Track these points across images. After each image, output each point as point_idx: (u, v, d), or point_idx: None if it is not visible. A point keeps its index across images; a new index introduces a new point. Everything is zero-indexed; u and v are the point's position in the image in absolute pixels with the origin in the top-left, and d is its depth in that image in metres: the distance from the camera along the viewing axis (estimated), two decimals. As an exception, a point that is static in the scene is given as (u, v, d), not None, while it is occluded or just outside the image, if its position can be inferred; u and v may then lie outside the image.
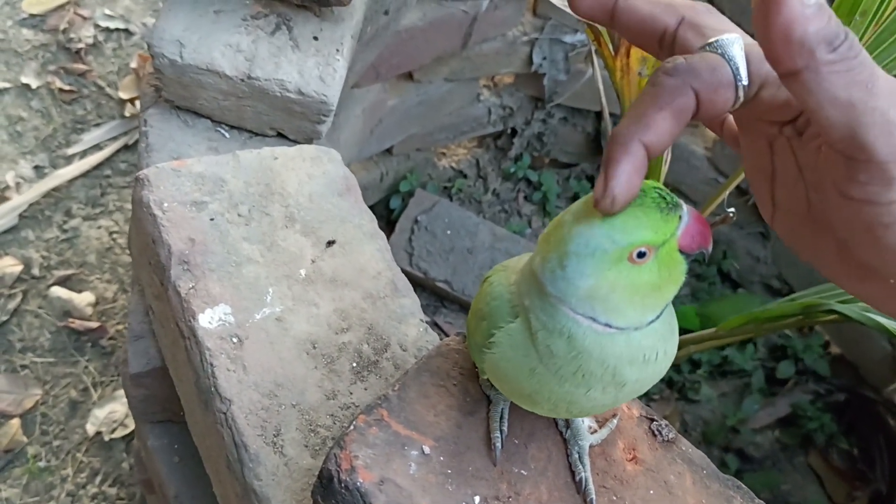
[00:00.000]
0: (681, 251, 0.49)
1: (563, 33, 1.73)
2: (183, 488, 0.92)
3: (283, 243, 0.81)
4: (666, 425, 0.69)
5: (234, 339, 0.74)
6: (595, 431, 0.66)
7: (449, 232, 1.81)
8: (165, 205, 0.78)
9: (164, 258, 0.76)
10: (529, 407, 0.57)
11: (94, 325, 1.74)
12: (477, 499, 0.60)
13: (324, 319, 0.78)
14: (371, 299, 0.80)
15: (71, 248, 1.83)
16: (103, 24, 2.05)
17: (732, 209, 0.93)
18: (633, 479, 0.65)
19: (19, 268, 1.78)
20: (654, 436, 0.68)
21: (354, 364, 0.76)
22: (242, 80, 0.92)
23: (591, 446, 0.65)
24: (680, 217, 0.48)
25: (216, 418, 0.71)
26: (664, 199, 0.48)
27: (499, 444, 0.62)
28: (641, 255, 0.48)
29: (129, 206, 1.88)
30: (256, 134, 0.99)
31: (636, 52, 1.02)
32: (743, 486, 0.68)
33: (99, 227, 1.85)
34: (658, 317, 0.51)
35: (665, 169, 1.15)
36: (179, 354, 0.77)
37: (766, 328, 1.23)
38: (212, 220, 0.79)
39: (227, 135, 0.98)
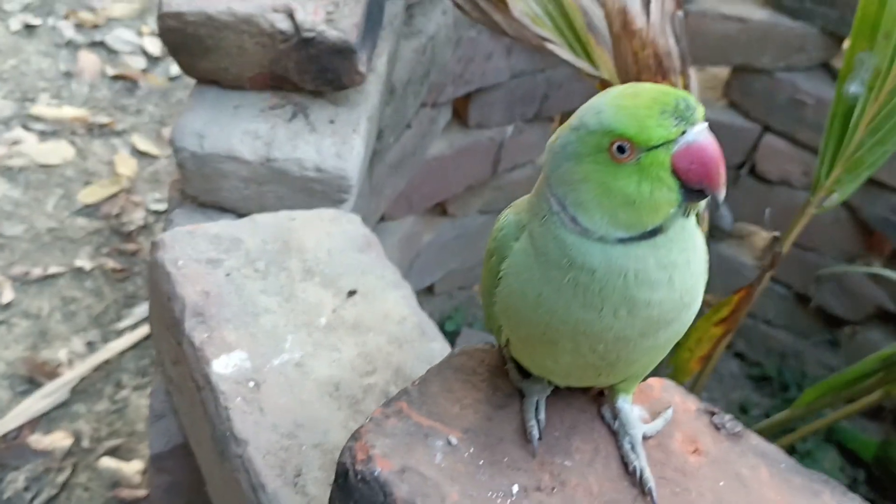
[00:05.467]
0: (679, 178, 0.44)
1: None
2: None
3: (302, 294, 0.78)
4: (730, 419, 0.61)
5: (251, 384, 0.69)
6: (648, 423, 0.58)
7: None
8: (180, 262, 0.76)
9: (178, 312, 0.73)
10: (552, 357, 0.51)
11: (142, 493, 1.68)
12: (515, 488, 0.52)
13: (347, 363, 0.73)
14: (397, 343, 0.76)
15: (121, 419, 1.81)
16: (153, 207, 2.16)
17: (769, 210, 0.88)
18: (697, 471, 0.56)
19: (69, 441, 1.75)
20: (717, 429, 0.60)
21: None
22: (262, 164, 0.93)
23: (644, 438, 0.57)
24: (684, 132, 0.43)
25: (233, 465, 0.65)
26: (677, 105, 0.43)
27: (536, 433, 0.55)
28: (621, 150, 0.43)
29: (177, 372, 1.88)
30: (281, 224, 0.99)
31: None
32: (832, 479, 0.59)
33: (148, 396, 1.84)
34: (635, 239, 0.45)
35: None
36: (196, 412, 0.72)
37: (844, 396, 1.12)
38: (227, 275, 0.77)
39: (251, 228, 0.98)
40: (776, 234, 0.89)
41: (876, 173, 1.62)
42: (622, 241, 0.45)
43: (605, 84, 0.96)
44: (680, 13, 0.88)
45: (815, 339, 1.89)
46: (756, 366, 1.94)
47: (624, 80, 0.94)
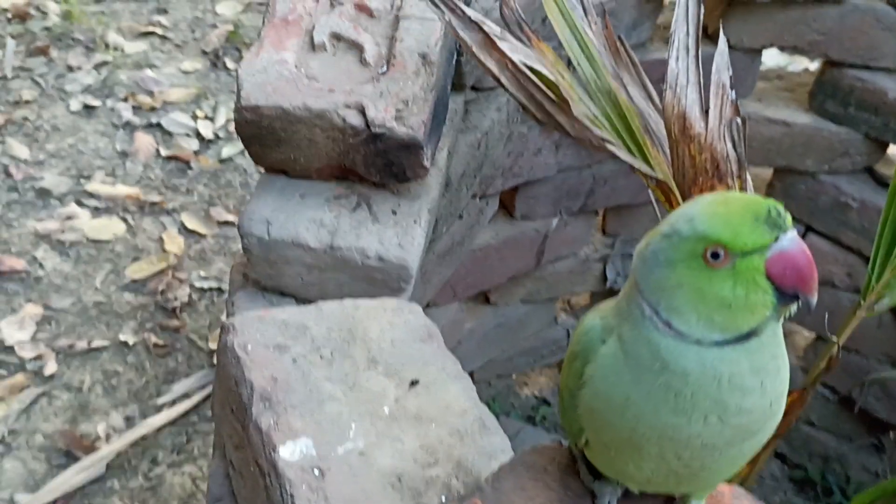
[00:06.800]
0: (773, 282, 0.46)
1: (634, 247, 1.77)
2: None
3: (366, 383, 0.79)
4: (800, 529, 0.60)
5: (316, 471, 0.70)
6: (718, 529, 0.58)
7: (538, 457, 1.73)
8: (249, 347, 0.78)
9: (247, 397, 0.75)
10: (635, 463, 0.51)
11: (172, 575, 1.66)
12: (590, 592, 0.52)
13: (409, 454, 0.74)
14: (459, 435, 0.76)
15: (154, 496, 1.80)
16: (198, 284, 2.19)
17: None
18: (772, 582, 0.56)
19: (101, 518, 1.74)
20: (789, 539, 0.59)
21: (443, 497, 0.71)
22: (325, 251, 0.96)
23: (716, 544, 0.57)
24: (777, 238, 0.45)
25: (296, 555, 0.66)
26: (769, 212, 0.45)
27: (609, 536, 0.55)
28: (715, 256, 0.45)
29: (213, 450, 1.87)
30: (339, 311, 1.01)
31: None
32: None
33: (183, 474, 1.84)
34: (730, 342, 0.46)
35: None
36: (259, 498, 0.73)
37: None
38: (294, 361, 0.78)
39: (310, 313, 1.00)
40: (834, 338, 0.89)
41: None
42: (717, 344, 0.46)
43: (660, 184, 0.98)
44: (738, 119, 0.91)
45: (859, 442, 1.86)
46: (798, 468, 1.90)
47: (680, 182, 0.96)
